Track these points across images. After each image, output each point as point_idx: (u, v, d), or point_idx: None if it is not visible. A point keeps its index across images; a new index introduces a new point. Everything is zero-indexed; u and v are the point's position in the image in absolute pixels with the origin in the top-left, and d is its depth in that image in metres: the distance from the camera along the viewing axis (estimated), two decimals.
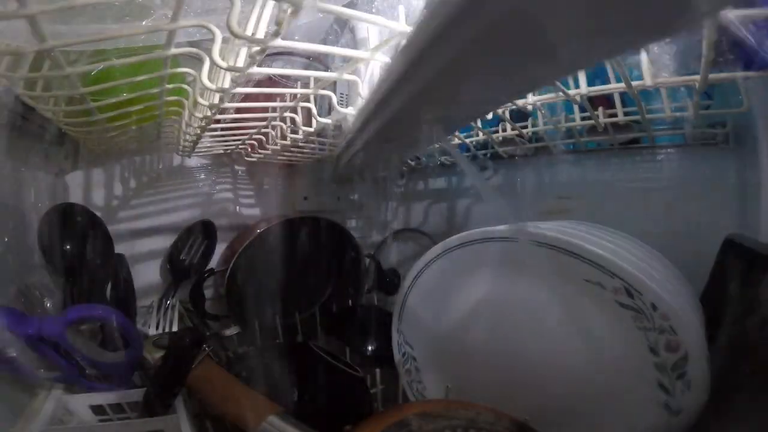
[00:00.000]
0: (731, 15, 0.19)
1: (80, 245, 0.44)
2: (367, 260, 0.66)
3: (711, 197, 0.46)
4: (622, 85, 0.29)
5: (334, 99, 0.36)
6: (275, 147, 0.46)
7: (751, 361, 0.29)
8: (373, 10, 0.28)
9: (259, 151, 0.50)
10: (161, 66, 0.26)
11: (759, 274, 0.33)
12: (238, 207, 0.64)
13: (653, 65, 0.28)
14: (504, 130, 0.51)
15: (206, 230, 0.57)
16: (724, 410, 0.28)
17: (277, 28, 0.19)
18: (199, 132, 0.40)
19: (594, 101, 0.38)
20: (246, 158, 0.61)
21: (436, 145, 0.54)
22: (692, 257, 0.39)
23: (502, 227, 0.36)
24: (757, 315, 0.31)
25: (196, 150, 0.50)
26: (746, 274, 0.34)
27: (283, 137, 0.44)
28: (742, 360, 0.29)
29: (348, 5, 0.24)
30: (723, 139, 0.45)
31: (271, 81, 0.48)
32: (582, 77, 0.31)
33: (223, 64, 0.23)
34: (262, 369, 0.41)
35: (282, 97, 0.39)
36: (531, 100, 0.35)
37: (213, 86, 0.27)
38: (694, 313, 0.30)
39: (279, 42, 0.20)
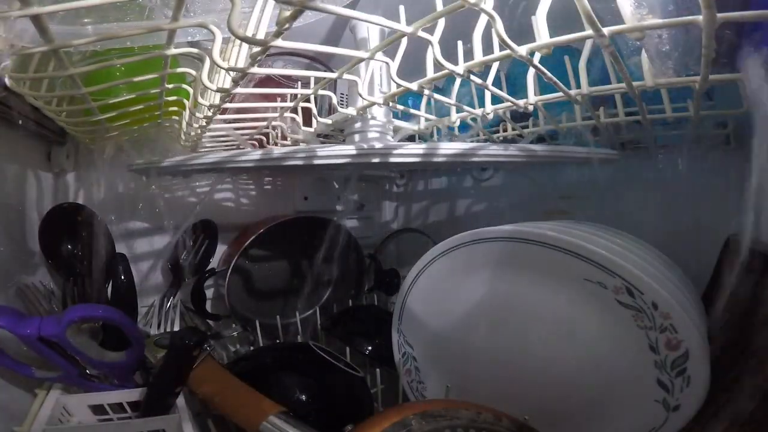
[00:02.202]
0: (729, 16, 0.19)
1: (81, 245, 0.45)
2: (367, 260, 0.66)
3: (713, 197, 0.46)
4: (623, 85, 0.29)
5: (335, 99, 0.36)
6: (276, 147, 0.46)
7: (754, 358, 0.29)
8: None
9: None
10: (161, 66, 0.26)
11: (761, 274, 0.33)
12: (239, 207, 0.64)
13: (654, 66, 0.28)
14: (505, 130, 0.51)
15: (207, 230, 0.57)
16: (726, 408, 0.28)
17: (278, 28, 0.19)
18: (199, 132, 0.40)
19: (595, 101, 0.38)
20: None
21: None
22: (694, 257, 0.39)
23: (502, 227, 0.36)
24: (759, 314, 0.31)
25: (196, 150, 0.50)
26: (748, 273, 0.34)
27: (284, 137, 0.44)
28: (746, 358, 0.29)
29: (349, 5, 0.24)
30: (724, 139, 0.45)
31: (271, 81, 0.48)
32: (583, 77, 0.31)
33: (224, 65, 0.23)
34: (263, 369, 0.41)
35: (282, 97, 0.39)
36: (532, 99, 0.35)
37: (213, 86, 0.27)
38: (695, 311, 0.30)
39: (279, 42, 0.20)
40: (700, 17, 0.18)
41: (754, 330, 0.31)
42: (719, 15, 0.18)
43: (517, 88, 0.46)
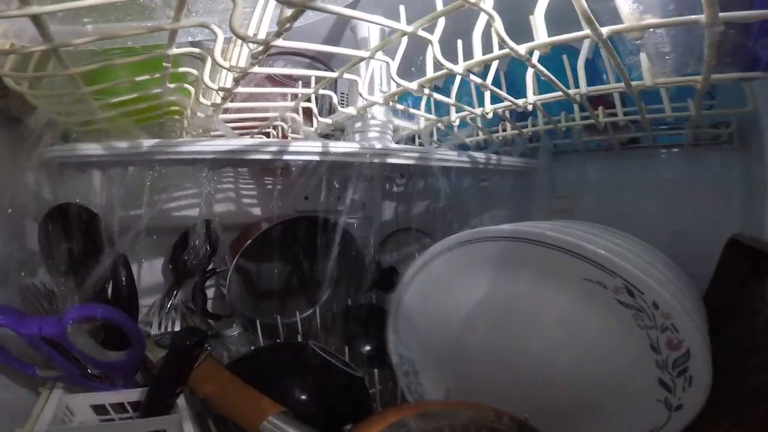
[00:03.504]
0: (732, 15, 0.19)
1: (81, 245, 0.44)
2: (367, 260, 0.66)
3: (714, 197, 0.46)
4: (622, 85, 0.29)
5: (335, 98, 0.36)
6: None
7: (756, 359, 0.29)
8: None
9: None
10: (162, 66, 0.26)
11: (764, 274, 0.33)
12: (239, 207, 0.64)
13: (653, 65, 0.28)
14: (504, 130, 0.51)
15: (208, 230, 0.57)
16: (726, 408, 0.28)
17: (279, 28, 0.19)
18: (200, 132, 0.40)
19: (594, 101, 0.38)
20: None
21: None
22: (695, 257, 0.39)
23: (501, 227, 0.36)
24: (762, 314, 0.31)
25: None
26: (751, 273, 0.34)
27: (285, 137, 0.44)
28: (747, 358, 0.29)
29: (350, 5, 0.24)
30: (727, 139, 0.45)
31: (272, 80, 0.48)
32: (582, 77, 0.31)
33: (225, 64, 0.23)
34: (263, 369, 0.41)
35: (283, 96, 0.39)
36: (531, 99, 0.35)
37: (215, 86, 0.27)
38: (696, 311, 0.30)
39: (280, 42, 0.20)
40: (702, 17, 0.18)
41: (756, 329, 0.31)
42: (722, 15, 0.18)
43: (516, 87, 0.46)
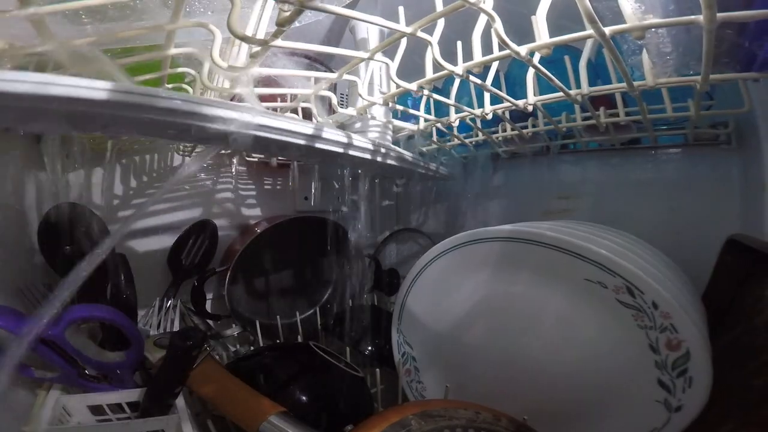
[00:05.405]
0: (729, 16, 0.19)
1: (80, 245, 0.44)
2: (367, 260, 0.66)
3: (713, 197, 0.46)
4: (624, 85, 0.29)
5: (335, 99, 0.36)
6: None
7: (760, 358, 0.29)
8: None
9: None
10: (161, 66, 0.26)
11: (763, 274, 0.33)
12: (238, 207, 0.64)
13: (655, 65, 0.28)
14: (504, 130, 0.51)
15: (207, 230, 0.57)
16: (732, 408, 0.28)
17: (278, 28, 0.19)
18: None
19: (595, 101, 0.38)
20: (247, 158, 0.61)
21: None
22: (694, 257, 0.39)
23: (502, 227, 0.36)
24: (764, 314, 0.31)
25: (196, 150, 0.50)
26: (750, 273, 0.34)
27: None
28: (749, 359, 0.29)
29: (349, 6, 0.24)
30: (725, 139, 0.45)
31: (271, 81, 0.48)
32: (584, 77, 0.31)
33: (223, 65, 0.23)
34: (263, 369, 0.41)
35: (283, 97, 0.39)
36: (531, 100, 0.35)
37: (213, 86, 0.27)
38: (695, 311, 0.30)
39: (279, 42, 0.20)
40: (701, 17, 0.18)
41: (759, 329, 0.31)
42: (720, 15, 0.18)
43: (517, 87, 0.46)
